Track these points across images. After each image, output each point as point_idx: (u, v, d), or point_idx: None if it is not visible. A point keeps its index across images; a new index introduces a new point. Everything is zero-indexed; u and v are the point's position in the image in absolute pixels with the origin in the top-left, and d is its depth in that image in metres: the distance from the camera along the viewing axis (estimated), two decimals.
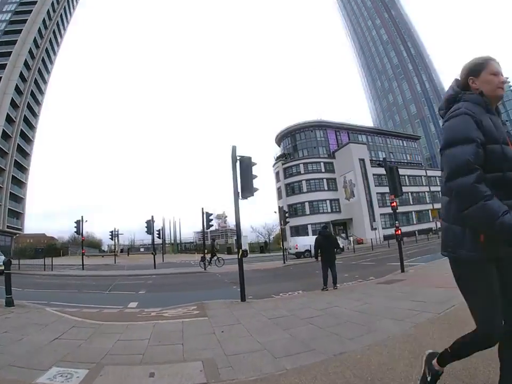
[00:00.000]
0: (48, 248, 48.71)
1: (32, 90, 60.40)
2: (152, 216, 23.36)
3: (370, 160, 52.86)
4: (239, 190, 8.37)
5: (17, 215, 57.57)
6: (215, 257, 21.65)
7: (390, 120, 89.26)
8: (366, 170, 51.53)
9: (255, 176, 8.69)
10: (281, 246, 24.05)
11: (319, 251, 9.06)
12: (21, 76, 55.72)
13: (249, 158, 8.70)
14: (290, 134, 60.51)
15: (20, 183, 58.49)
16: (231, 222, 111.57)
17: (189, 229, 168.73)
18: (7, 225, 52.19)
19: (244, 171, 8.53)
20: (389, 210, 49.44)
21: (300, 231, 51.35)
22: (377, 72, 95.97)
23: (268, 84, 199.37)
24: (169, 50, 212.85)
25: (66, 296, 9.75)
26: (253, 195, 8.49)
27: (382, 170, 45.44)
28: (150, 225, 23.17)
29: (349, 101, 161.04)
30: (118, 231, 36.82)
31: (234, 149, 8.66)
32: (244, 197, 8.39)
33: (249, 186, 8.46)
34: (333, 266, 8.86)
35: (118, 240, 38.64)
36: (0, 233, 49.87)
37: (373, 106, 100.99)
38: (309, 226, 50.83)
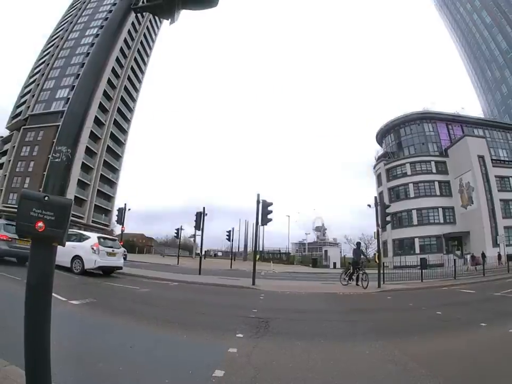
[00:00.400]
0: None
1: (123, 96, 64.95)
2: (233, 228, 26.21)
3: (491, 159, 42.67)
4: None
5: (106, 212, 63.72)
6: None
7: (506, 115, 75.34)
8: (486, 170, 41.82)
9: (270, 212, 14.54)
10: (377, 261, 16.46)
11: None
12: (110, 83, 59.41)
13: (266, 201, 14.57)
14: (394, 129, 51.98)
15: (110, 183, 64.66)
16: (330, 234, 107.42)
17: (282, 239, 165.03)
18: (92, 220, 57.72)
19: (263, 209, 14.41)
20: None
21: (404, 245, 42.86)
22: (485, 61, 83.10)
23: (364, 77, 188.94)
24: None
25: None
26: (266, 224, 14.82)
27: (506, 171, 35.46)
28: (229, 234, 28.27)
29: (454, 98, 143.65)
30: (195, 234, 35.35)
31: (258, 195, 14.60)
32: (262, 225, 14.70)
33: (265, 219, 14.45)
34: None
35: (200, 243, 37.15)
36: (84, 226, 51.26)
37: (484, 101, 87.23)
38: (416, 241, 42.05)
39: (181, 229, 37.21)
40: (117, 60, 59.30)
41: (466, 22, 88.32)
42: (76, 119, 2.00)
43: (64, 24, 66.61)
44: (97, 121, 55.88)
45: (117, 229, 55.92)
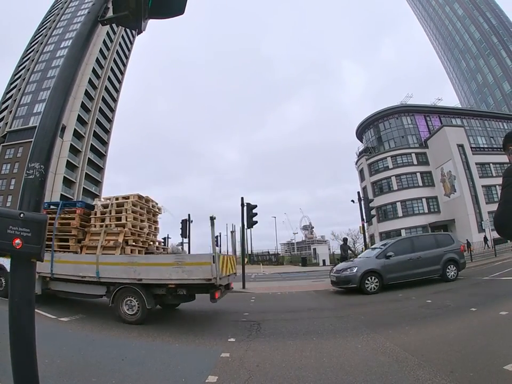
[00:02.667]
0: None
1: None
2: (220, 233, 25.03)
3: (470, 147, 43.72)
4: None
5: None
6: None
7: (483, 104, 77.28)
8: (467, 158, 42.73)
9: (255, 214, 14.87)
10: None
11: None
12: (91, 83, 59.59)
13: (250, 204, 14.91)
14: (373, 124, 52.54)
15: (93, 195, 60.40)
16: (318, 232, 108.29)
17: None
18: None
19: (248, 212, 14.84)
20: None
21: (391, 237, 43.44)
22: (459, 52, 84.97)
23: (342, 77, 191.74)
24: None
25: None
26: (252, 227, 15.20)
27: (485, 158, 36.27)
28: (217, 239, 21.82)
29: (432, 90, 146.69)
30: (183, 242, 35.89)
31: (242, 199, 15.12)
32: (248, 227, 15.23)
33: (250, 222, 14.85)
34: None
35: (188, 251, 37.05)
36: None
37: (461, 91, 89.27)
38: (403, 232, 42.52)
39: (168, 237, 37.09)
40: (97, 60, 61.27)
41: (439, 15, 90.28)
42: (47, 134, 2.01)
43: (39, 37, 66.06)
44: (77, 134, 56.33)
45: None
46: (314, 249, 46.57)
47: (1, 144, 55.30)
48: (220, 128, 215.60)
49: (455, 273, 11.46)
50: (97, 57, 61.10)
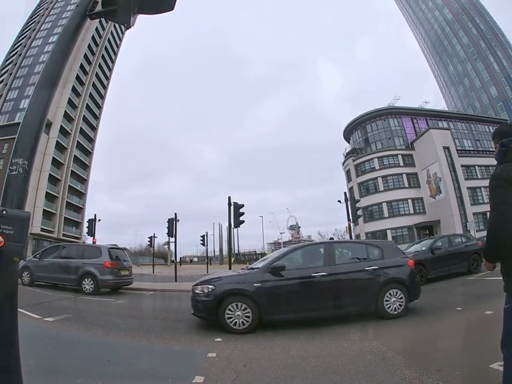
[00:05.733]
0: None
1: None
2: (207, 232, 24.30)
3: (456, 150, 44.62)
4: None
5: (76, 224, 61.36)
6: None
7: (470, 107, 78.48)
8: (452, 160, 43.31)
9: (242, 214, 14.79)
10: None
11: None
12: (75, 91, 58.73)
13: (237, 203, 14.82)
14: (360, 126, 52.95)
15: (79, 194, 62.64)
16: (305, 232, 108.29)
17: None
18: (63, 233, 55.25)
19: (235, 211, 14.71)
20: (483, 208, 41.09)
21: (377, 237, 43.99)
22: (447, 56, 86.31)
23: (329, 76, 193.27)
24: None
25: None
26: (238, 226, 15.45)
27: (471, 161, 36.95)
28: (204, 238, 25.86)
29: (419, 93, 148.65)
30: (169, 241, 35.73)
31: (229, 198, 15.12)
32: (235, 227, 15.47)
33: (237, 221, 14.85)
34: None
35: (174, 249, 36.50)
36: (55, 240, 49.70)
37: (448, 95, 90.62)
38: (388, 232, 43.09)
39: (154, 236, 37.44)
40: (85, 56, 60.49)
41: (428, 19, 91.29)
42: (32, 129, 1.95)
43: (27, 31, 64.95)
44: (63, 131, 55.17)
45: (88, 241, 54.44)
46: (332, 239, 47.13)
47: None
48: (197, 127, 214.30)
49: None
50: (85, 53, 60.50)
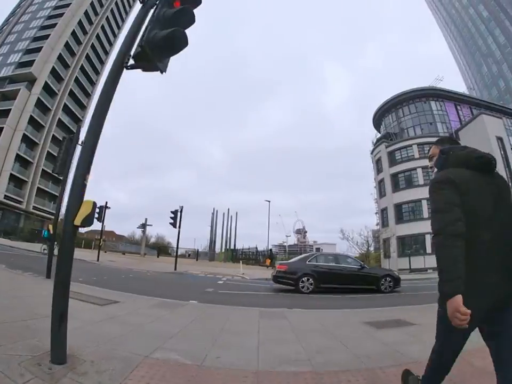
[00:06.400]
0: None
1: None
2: (182, 207, 22.09)
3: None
4: None
5: (54, 198, 53.90)
6: None
7: None
8: (506, 154, 36.79)
9: None
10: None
11: None
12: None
13: None
14: (395, 108, 45.93)
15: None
16: (311, 236, 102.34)
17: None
18: (34, 206, 50.13)
19: None
20: None
21: (413, 243, 35.58)
22: (481, 56, 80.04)
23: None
24: None
25: None
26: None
27: None
28: (175, 216, 21.64)
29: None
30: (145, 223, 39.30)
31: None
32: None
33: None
34: None
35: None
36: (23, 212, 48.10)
37: (480, 97, 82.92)
38: (428, 238, 34.62)
39: (146, 224, 38.60)
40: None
41: (462, 17, 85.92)
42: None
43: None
44: (49, 90, 50.99)
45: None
46: (319, 249, 38.10)
47: None
48: (202, 124, 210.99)
49: None
50: (86, 10, 57.31)
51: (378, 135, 49.55)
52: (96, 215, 23.45)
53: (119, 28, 70.04)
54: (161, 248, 53.28)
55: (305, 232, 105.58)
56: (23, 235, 40.18)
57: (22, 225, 46.75)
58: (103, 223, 24.93)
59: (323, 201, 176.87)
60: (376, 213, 45.21)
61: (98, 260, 21.63)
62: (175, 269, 20.65)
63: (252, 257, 46.21)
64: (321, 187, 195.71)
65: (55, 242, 20.38)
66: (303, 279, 11.80)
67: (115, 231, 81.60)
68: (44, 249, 20.88)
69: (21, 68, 48.52)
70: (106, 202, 24.69)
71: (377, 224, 43.83)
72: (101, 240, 27.89)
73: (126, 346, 3.65)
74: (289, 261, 14.20)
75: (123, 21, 71.59)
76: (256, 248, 49.71)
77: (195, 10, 3.32)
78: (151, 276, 16.57)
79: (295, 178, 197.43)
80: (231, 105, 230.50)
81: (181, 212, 21.30)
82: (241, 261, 34.75)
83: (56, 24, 51.97)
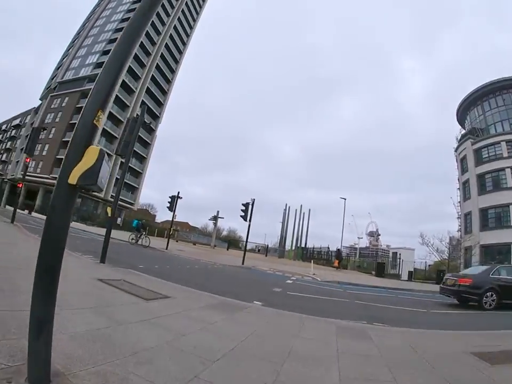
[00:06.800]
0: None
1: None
2: (178, 193, 24.12)
3: None
4: None
5: (132, 189, 60.84)
6: None
7: None
8: None
9: None
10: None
11: None
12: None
13: None
14: (481, 101, 39.92)
15: (140, 157, 62.30)
16: (384, 240, 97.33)
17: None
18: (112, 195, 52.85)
19: None
20: None
21: (498, 254, 31.07)
22: None
23: None
24: None
25: None
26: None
27: None
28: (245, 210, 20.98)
29: None
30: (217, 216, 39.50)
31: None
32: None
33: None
34: None
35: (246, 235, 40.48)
36: (102, 201, 52.44)
37: None
38: None
39: (218, 216, 38.97)
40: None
41: None
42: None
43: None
44: (127, 88, 54.56)
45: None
46: (396, 254, 34.78)
47: (50, 95, 56.96)
48: (275, 121, 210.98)
49: None
50: (158, 12, 57.11)
51: (463, 131, 44.18)
52: (168, 205, 24.72)
53: (191, 27, 72.77)
54: (231, 241, 54.36)
55: (379, 235, 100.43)
56: (99, 221, 43.52)
57: (99, 212, 51.20)
58: (174, 212, 24.98)
59: (397, 204, 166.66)
60: (458, 218, 40.51)
61: (167, 248, 21.85)
62: (243, 263, 20.00)
63: (323, 257, 44.20)
64: (395, 189, 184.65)
65: (143, 232, 21.25)
66: (487, 294, 10.96)
67: (189, 222, 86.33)
68: (132, 239, 21.23)
69: (99, 68, 51.81)
70: (178, 192, 24.67)
71: (458, 230, 39.39)
72: (171, 229, 28.59)
73: (149, 369, 2.52)
74: (471, 273, 12.81)
75: (194, 20, 74.06)
76: (328, 248, 47.46)
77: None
78: (217, 268, 16.03)
79: (368, 178, 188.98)
80: (303, 103, 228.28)
81: (252, 204, 20.86)
82: (312, 261, 33.12)
83: None
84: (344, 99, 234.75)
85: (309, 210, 57.50)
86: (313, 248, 51.01)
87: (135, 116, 10.13)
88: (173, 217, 26.70)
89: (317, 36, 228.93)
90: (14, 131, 71.78)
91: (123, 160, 10.62)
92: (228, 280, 12.12)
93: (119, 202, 40.24)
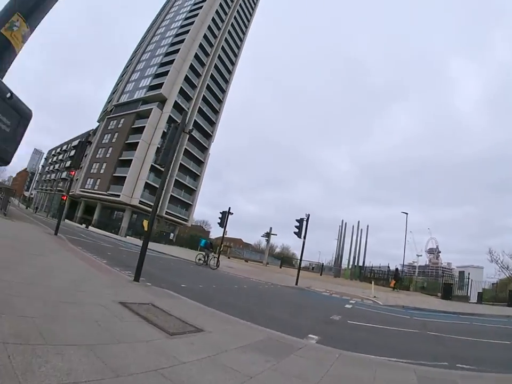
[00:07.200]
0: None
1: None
2: (229, 208, 23.78)
3: None
4: None
5: (186, 206, 61.44)
6: None
7: None
8: None
9: None
10: None
11: None
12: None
13: None
14: None
15: (193, 174, 62.69)
16: (444, 257, 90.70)
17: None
18: (166, 211, 54.81)
19: None
20: None
21: None
22: None
23: None
24: None
25: None
26: None
27: None
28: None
29: None
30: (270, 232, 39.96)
31: None
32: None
33: None
34: None
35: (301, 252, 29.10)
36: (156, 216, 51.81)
37: None
38: None
39: (270, 233, 39.43)
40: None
41: None
42: None
43: (154, 25, 71.77)
44: (178, 108, 55.08)
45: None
46: (463, 273, 30.91)
47: (107, 117, 60.56)
48: (327, 136, 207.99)
49: None
50: (205, 33, 61.31)
51: None
52: (219, 220, 24.56)
53: (238, 47, 73.86)
54: (284, 259, 53.22)
55: (439, 252, 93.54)
56: (152, 236, 42.78)
57: (154, 227, 50.91)
58: (224, 228, 24.62)
59: (457, 218, 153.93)
60: None
61: (217, 264, 20.46)
62: (296, 283, 18.44)
63: (382, 277, 40.94)
64: (454, 202, 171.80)
65: (212, 251, 20.25)
66: None
67: (242, 239, 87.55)
68: (199, 259, 19.82)
69: (152, 90, 54.74)
70: (229, 208, 24.38)
71: None
72: (222, 245, 27.90)
73: None
74: None
75: (241, 40, 75.19)
76: (388, 267, 44.01)
77: None
78: (267, 289, 14.73)
79: (425, 192, 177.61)
80: (354, 115, 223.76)
81: (307, 220, 19.62)
82: (373, 281, 30.37)
83: (179, 49, 56.74)
84: (396, 111, 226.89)
85: (367, 226, 54.14)
86: (372, 267, 47.71)
87: (176, 123, 9.43)
88: (223, 233, 26.03)
89: (365, 46, 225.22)
90: (73, 151, 75.26)
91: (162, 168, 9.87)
92: (279, 304, 10.68)
93: (173, 218, 40.60)
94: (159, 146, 9.65)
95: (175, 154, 37.31)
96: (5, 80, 1.25)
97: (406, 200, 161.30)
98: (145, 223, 9.38)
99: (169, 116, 51.87)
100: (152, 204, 40.36)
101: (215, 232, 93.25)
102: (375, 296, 17.77)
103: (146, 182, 49.47)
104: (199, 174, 64.16)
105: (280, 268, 40.78)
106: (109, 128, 58.38)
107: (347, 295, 17.17)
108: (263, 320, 6.34)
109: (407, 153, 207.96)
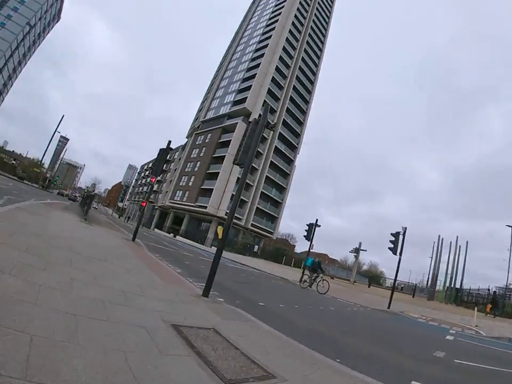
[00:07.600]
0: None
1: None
2: (316, 220, 23.32)
3: None
4: None
5: (272, 218, 61.61)
6: None
7: None
8: None
9: None
10: None
11: None
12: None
13: None
14: None
15: (279, 187, 61.83)
16: None
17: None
18: (252, 223, 55.83)
19: None
20: None
21: None
22: None
23: None
24: None
25: None
26: None
27: None
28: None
29: None
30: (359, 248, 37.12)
31: None
32: None
33: None
34: None
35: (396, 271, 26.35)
36: (241, 228, 54.30)
37: None
38: None
39: (360, 248, 37.71)
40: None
41: None
42: None
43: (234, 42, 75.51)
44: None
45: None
46: None
47: (195, 133, 64.61)
48: (416, 145, 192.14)
49: None
50: (284, 46, 61.80)
51: None
52: (305, 233, 23.69)
53: (318, 57, 73.02)
54: (372, 277, 49.81)
55: None
56: (236, 247, 45.36)
57: (239, 239, 53.48)
58: (311, 242, 23.49)
59: None
60: None
61: (301, 281, 18.17)
62: (389, 306, 16.31)
63: (481, 302, 34.99)
64: None
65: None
66: None
67: (328, 254, 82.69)
68: (305, 281, 17.57)
69: (236, 105, 56.55)
70: (317, 220, 23.29)
71: None
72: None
73: None
74: None
75: (320, 50, 74.25)
76: (488, 289, 37.66)
77: None
78: (357, 312, 12.91)
79: None
80: (440, 123, 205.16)
81: (404, 234, 17.65)
82: (476, 308, 25.63)
83: (260, 64, 57.82)
84: (486, 114, 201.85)
85: (466, 242, 47.33)
86: (470, 289, 41.47)
87: (257, 117, 8.63)
88: (310, 246, 24.49)
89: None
90: (164, 165, 79.92)
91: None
92: (370, 333, 8.85)
93: (258, 230, 40.32)
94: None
95: (261, 167, 36.91)
96: None
97: (502, 212, 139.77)
98: (219, 229, 8.12)
99: None
100: (239, 216, 39.90)
101: (301, 246, 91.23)
102: (477, 326, 15.38)
103: (232, 194, 49.96)
104: (285, 186, 63.83)
105: (369, 287, 38.30)
106: (197, 143, 61.65)
107: (445, 322, 14.97)
108: (353, 357, 4.99)
109: (506, 159, 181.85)
